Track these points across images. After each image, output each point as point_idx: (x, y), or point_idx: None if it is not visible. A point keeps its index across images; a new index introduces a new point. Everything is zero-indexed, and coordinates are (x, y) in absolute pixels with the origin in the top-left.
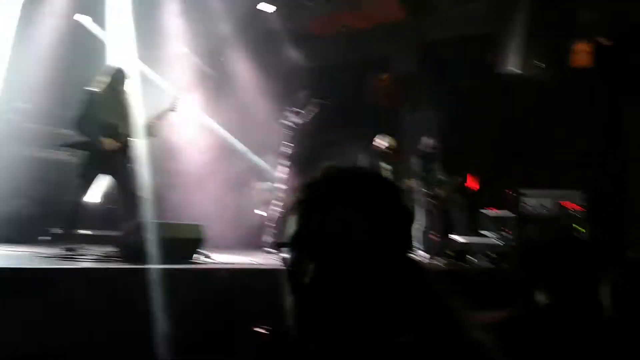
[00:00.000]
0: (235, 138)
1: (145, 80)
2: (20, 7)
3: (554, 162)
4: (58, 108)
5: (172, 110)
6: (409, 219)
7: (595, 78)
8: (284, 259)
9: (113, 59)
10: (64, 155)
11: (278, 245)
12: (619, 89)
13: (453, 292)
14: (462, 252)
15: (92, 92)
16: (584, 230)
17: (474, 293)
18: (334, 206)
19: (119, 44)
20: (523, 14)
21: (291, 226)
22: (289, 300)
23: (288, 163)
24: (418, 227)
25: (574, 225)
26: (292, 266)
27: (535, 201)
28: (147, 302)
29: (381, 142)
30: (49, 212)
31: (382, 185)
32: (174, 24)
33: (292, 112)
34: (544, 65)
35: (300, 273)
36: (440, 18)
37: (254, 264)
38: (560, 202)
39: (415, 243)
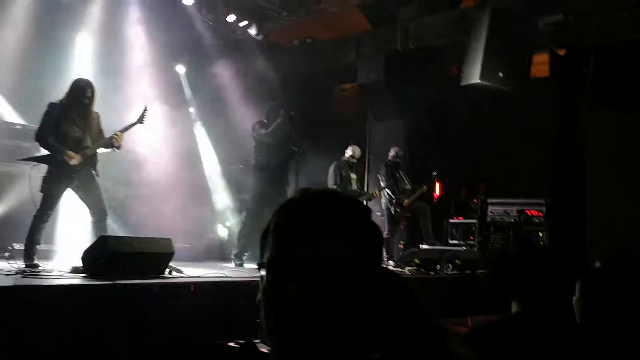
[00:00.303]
0: (201, 148)
1: (110, 91)
2: None
3: (517, 170)
4: (20, 120)
5: (139, 122)
6: (380, 236)
7: (553, 87)
8: (262, 278)
9: (77, 70)
10: (27, 169)
11: (258, 265)
12: (575, 98)
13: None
14: (429, 260)
15: (55, 105)
16: (541, 235)
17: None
18: (312, 228)
19: (83, 56)
20: (483, 25)
21: (269, 247)
22: (268, 320)
23: (257, 173)
24: (385, 236)
25: (539, 233)
26: (270, 286)
27: (501, 209)
28: (116, 319)
29: (349, 152)
30: (11, 228)
31: (355, 206)
32: (136, 34)
33: (259, 122)
34: (503, 75)
35: (278, 293)
36: (404, 29)
37: (223, 276)
38: (526, 210)
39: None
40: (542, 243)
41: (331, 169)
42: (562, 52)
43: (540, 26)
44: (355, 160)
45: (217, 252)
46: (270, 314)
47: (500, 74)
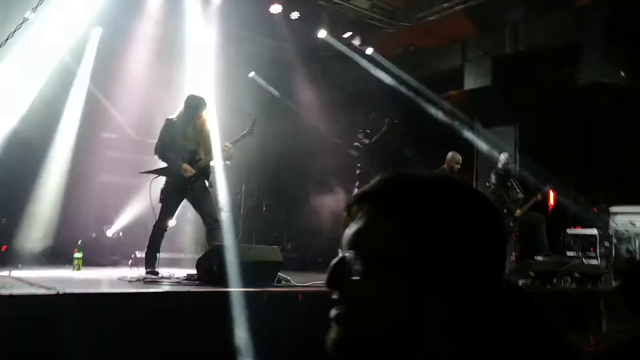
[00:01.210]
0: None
1: (222, 105)
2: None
3: None
4: (141, 136)
5: (248, 135)
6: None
7: None
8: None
9: (191, 87)
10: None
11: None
12: None
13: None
14: (546, 272)
15: (172, 120)
16: None
17: (561, 317)
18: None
19: (197, 74)
20: (601, 23)
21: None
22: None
23: (358, 183)
24: None
25: None
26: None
27: (625, 219)
28: (228, 326)
29: (449, 158)
30: (134, 237)
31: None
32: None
33: (362, 132)
34: (625, 73)
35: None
36: (512, 31)
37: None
38: None
39: None
40: None
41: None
42: None
43: None
44: (457, 167)
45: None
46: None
47: (622, 72)
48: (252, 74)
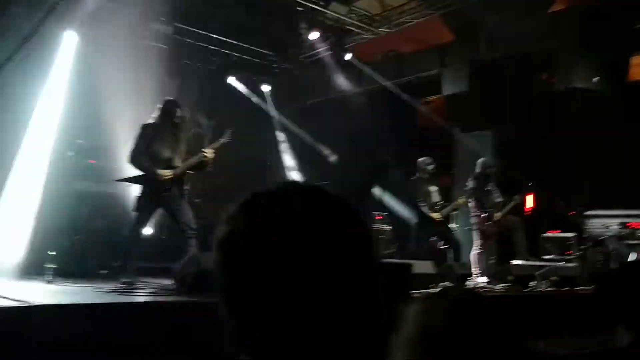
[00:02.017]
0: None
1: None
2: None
3: (618, 180)
4: (113, 143)
5: (226, 141)
6: (369, 236)
7: None
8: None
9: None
10: (121, 189)
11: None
12: None
13: (515, 318)
14: (523, 276)
15: (146, 126)
16: None
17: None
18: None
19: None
20: (575, 29)
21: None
22: (244, 325)
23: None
24: (475, 251)
25: None
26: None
27: (600, 222)
28: (206, 336)
29: (423, 164)
30: (107, 246)
31: (340, 203)
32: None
33: (342, 138)
34: (599, 79)
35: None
36: (490, 37)
37: None
38: (627, 223)
39: (473, 268)
40: None
41: (412, 184)
42: None
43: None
44: (430, 168)
45: None
46: (249, 318)
47: (596, 78)
48: (230, 79)
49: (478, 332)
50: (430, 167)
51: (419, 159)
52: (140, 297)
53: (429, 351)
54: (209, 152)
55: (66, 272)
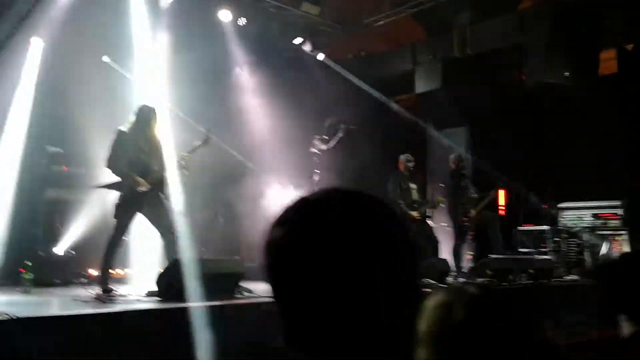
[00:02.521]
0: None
1: (174, 115)
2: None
3: (589, 173)
4: (89, 150)
5: (204, 144)
6: (415, 252)
7: (621, 84)
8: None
9: (142, 97)
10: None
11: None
12: None
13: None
14: (502, 270)
15: (123, 132)
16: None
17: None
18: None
19: (147, 82)
20: (545, 24)
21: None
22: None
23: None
24: (454, 247)
25: (616, 237)
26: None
27: (573, 214)
28: (190, 341)
29: (404, 161)
30: (85, 254)
31: (391, 212)
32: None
33: (319, 138)
34: (569, 74)
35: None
36: (460, 35)
37: None
38: (600, 213)
39: (451, 264)
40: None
41: (390, 183)
42: (630, 47)
43: (606, 21)
44: (411, 165)
45: None
46: (298, 318)
47: (566, 73)
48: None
49: (498, 327)
50: (411, 164)
51: (400, 156)
52: (124, 305)
53: (447, 347)
54: (186, 156)
55: (43, 281)
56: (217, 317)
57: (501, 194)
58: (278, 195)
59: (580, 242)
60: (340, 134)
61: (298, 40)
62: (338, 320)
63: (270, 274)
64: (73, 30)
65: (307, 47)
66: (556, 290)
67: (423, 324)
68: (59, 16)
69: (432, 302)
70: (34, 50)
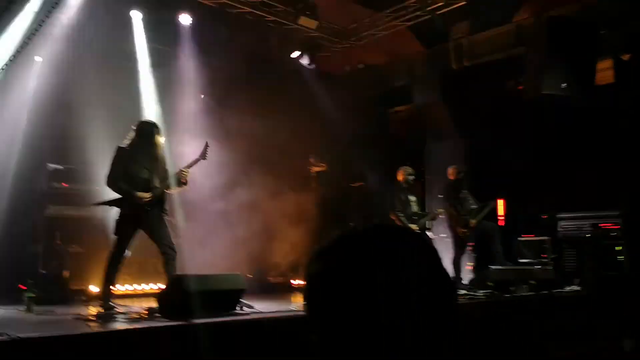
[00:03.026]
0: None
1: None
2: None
3: (586, 183)
4: (90, 167)
5: (202, 158)
6: (451, 286)
7: (619, 94)
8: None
9: (141, 112)
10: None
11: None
12: None
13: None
14: (503, 281)
15: (122, 148)
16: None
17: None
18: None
19: (146, 98)
20: (541, 36)
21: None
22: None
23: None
24: (453, 258)
25: (616, 247)
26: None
27: (572, 224)
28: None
29: (403, 173)
30: (86, 271)
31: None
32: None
33: (315, 153)
34: (566, 85)
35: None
36: (457, 47)
37: (295, 310)
38: (600, 223)
39: (451, 275)
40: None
41: (389, 193)
42: (626, 57)
43: (602, 32)
44: (411, 178)
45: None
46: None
47: (563, 84)
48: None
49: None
50: (411, 177)
51: (401, 167)
52: (124, 324)
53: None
54: (185, 170)
55: (44, 299)
56: (219, 334)
57: (500, 204)
58: (276, 207)
59: (580, 252)
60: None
61: (296, 54)
62: (375, 349)
63: (311, 302)
64: (74, 46)
65: (304, 61)
66: (557, 301)
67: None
68: (61, 33)
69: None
70: (36, 67)
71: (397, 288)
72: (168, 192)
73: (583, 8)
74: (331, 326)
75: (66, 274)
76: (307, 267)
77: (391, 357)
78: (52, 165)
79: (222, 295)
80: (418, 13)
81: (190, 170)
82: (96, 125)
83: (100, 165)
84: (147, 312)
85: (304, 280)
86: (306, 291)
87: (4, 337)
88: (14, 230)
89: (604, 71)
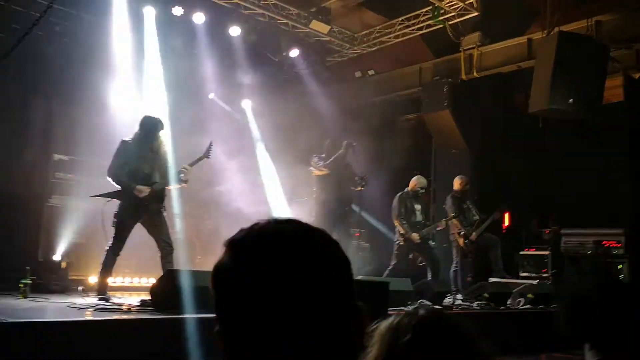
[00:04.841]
0: (266, 181)
1: (178, 127)
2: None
3: (591, 199)
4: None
5: (205, 157)
6: (346, 271)
7: (628, 112)
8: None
9: (147, 108)
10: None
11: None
12: None
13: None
14: (500, 294)
15: (127, 142)
16: (620, 268)
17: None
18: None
19: (152, 93)
20: (551, 50)
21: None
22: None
23: (317, 208)
24: (453, 268)
25: (619, 265)
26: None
27: (575, 240)
28: (182, 352)
29: (414, 182)
30: (85, 262)
31: (315, 239)
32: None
33: (317, 155)
34: (573, 101)
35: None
36: (467, 57)
37: None
38: (603, 241)
39: (452, 285)
40: (621, 277)
41: (395, 201)
42: (637, 76)
43: (612, 49)
44: (422, 191)
45: None
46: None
47: (571, 100)
48: (211, 95)
49: (443, 349)
50: (422, 191)
51: (415, 176)
52: (116, 314)
53: None
54: (186, 168)
55: (42, 287)
56: (209, 329)
57: (504, 216)
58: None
59: (582, 269)
60: (341, 150)
61: (306, 58)
62: (274, 340)
63: (215, 294)
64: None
65: (315, 65)
66: (552, 316)
67: (374, 347)
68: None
69: (383, 325)
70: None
71: (291, 283)
72: (168, 188)
73: (595, 24)
74: (231, 318)
75: (65, 263)
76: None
77: (284, 347)
78: (58, 156)
79: None
80: (430, 22)
81: (193, 168)
82: (103, 118)
83: (105, 157)
84: (139, 304)
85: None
86: (212, 281)
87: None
88: (17, 218)
89: (614, 89)
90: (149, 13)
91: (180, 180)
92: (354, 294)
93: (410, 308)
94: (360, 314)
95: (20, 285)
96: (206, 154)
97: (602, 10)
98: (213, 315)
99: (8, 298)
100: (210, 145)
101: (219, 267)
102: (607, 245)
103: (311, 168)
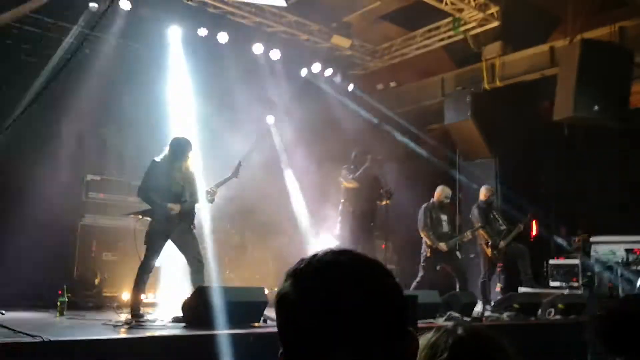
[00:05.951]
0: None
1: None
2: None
3: (621, 206)
4: (126, 178)
5: (234, 177)
6: (400, 296)
7: None
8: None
9: (177, 128)
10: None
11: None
12: None
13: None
14: (530, 304)
15: (157, 162)
16: None
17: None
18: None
19: (182, 114)
20: (574, 57)
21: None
22: None
23: (342, 219)
24: (482, 279)
25: None
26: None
27: (606, 248)
28: None
29: (439, 192)
30: (119, 279)
31: (371, 269)
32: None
33: (346, 168)
34: (598, 108)
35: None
36: (490, 67)
37: None
38: (635, 248)
39: (478, 296)
40: None
41: (421, 212)
42: None
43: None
44: (447, 201)
45: None
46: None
47: (596, 107)
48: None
49: None
50: (447, 200)
51: (439, 187)
52: (150, 331)
53: None
54: (214, 188)
55: (77, 304)
56: (240, 345)
57: (532, 225)
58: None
59: (613, 277)
60: (367, 164)
61: (328, 72)
62: None
63: (278, 320)
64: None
65: (337, 79)
66: (584, 327)
67: None
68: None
69: (420, 342)
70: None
71: (348, 311)
72: (197, 206)
73: (619, 30)
74: (293, 342)
75: (99, 281)
76: (279, 287)
77: None
78: (90, 176)
79: (244, 307)
80: (451, 33)
81: (219, 189)
82: (134, 140)
83: (136, 177)
84: (171, 321)
85: (276, 298)
86: (275, 308)
87: (37, 339)
88: (52, 237)
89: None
90: (175, 34)
91: (207, 200)
92: (407, 320)
93: (446, 323)
94: (412, 339)
95: (57, 304)
96: (235, 174)
97: (626, 16)
98: (245, 331)
99: (45, 315)
100: (239, 164)
101: (282, 295)
102: (638, 253)
103: (341, 179)
